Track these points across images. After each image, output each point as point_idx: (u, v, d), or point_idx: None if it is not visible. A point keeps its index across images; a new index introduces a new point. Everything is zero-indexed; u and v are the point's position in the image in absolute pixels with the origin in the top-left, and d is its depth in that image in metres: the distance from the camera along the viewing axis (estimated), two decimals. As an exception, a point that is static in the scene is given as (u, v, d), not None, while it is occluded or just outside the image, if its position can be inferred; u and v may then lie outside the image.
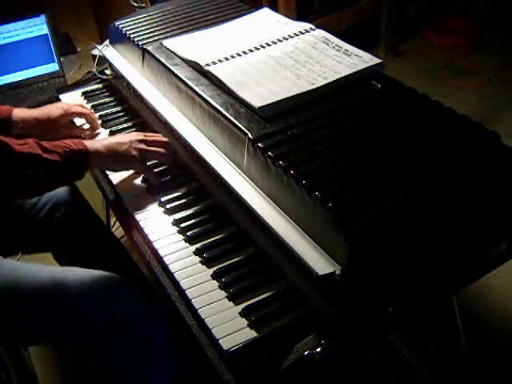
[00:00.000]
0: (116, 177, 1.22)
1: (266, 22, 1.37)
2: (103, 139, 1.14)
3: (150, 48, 1.33)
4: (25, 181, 1.00)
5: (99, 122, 1.41)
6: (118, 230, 1.84)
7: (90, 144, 1.09)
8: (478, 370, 1.40)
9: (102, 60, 1.62)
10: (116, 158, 1.12)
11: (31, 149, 1.00)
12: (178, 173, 1.18)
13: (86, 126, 1.41)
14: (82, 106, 1.42)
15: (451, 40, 3.13)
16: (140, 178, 1.20)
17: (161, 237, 1.04)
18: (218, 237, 1.02)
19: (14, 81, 1.89)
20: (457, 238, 0.87)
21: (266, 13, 1.43)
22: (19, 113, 1.30)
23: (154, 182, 1.16)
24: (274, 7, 2.49)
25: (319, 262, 0.82)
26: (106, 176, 1.23)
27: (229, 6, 1.52)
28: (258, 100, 1.03)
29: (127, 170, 1.21)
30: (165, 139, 1.20)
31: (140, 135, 1.17)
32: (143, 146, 1.14)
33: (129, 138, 1.15)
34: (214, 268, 0.96)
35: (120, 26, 1.48)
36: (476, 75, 2.87)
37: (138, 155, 1.13)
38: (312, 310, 0.85)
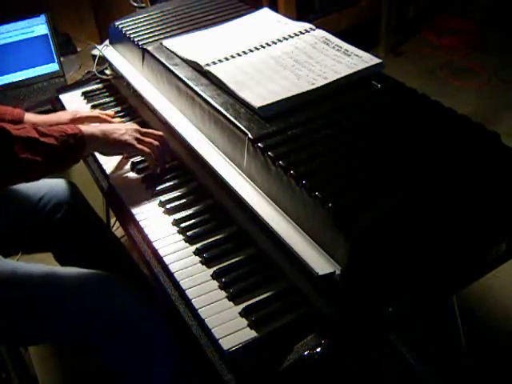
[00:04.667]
0: (116, 177, 1.22)
1: (266, 22, 1.37)
2: (99, 124, 1.19)
3: (150, 48, 1.33)
4: (22, 163, 1.01)
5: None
6: (118, 230, 1.84)
7: (85, 128, 1.12)
8: (477, 369, 1.40)
9: (102, 60, 1.62)
10: (110, 142, 1.15)
11: (28, 132, 1.02)
12: (165, 166, 1.22)
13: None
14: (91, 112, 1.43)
15: (451, 40, 3.13)
16: (140, 178, 1.20)
17: (161, 237, 1.04)
18: (217, 237, 1.02)
19: (14, 81, 1.89)
20: (457, 238, 0.87)
21: (265, 13, 1.43)
22: (30, 117, 1.33)
23: (153, 163, 1.19)
24: (274, 7, 2.49)
25: (319, 262, 0.82)
26: (106, 176, 1.23)
27: (229, 5, 1.52)
28: (258, 100, 1.03)
29: (121, 154, 1.25)
30: (160, 133, 1.23)
31: (136, 125, 1.22)
32: (138, 135, 1.18)
33: (125, 126, 1.20)
34: (214, 268, 0.96)
35: (120, 26, 1.48)
36: (476, 75, 2.87)
37: (131, 141, 1.16)
38: (312, 310, 0.85)
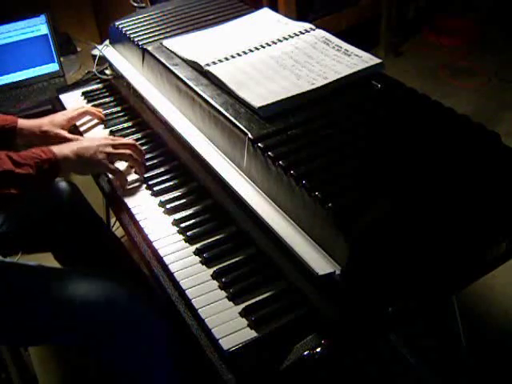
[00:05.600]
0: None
1: (266, 22, 1.37)
2: (71, 144, 1.16)
3: (150, 48, 1.33)
4: None
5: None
6: (118, 230, 1.84)
7: (59, 150, 1.10)
8: (478, 369, 1.40)
9: (102, 60, 1.62)
10: (84, 162, 1.13)
11: (4, 164, 0.99)
12: (143, 172, 1.21)
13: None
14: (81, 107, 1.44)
15: (451, 40, 3.13)
16: (140, 178, 1.20)
17: (161, 237, 1.04)
18: (218, 237, 1.02)
19: (14, 81, 1.89)
20: (457, 238, 0.87)
21: (265, 13, 1.43)
22: (24, 122, 1.32)
23: (123, 183, 1.18)
24: (274, 7, 2.49)
25: (319, 262, 0.82)
26: (107, 176, 1.23)
27: (229, 6, 1.52)
28: (257, 100, 1.03)
29: (96, 173, 1.25)
30: (131, 141, 1.22)
31: (107, 139, 1.20)
32: (110, 150, 1.16)
33: (96, 142, 1.17)
34: (214, 268, 0.96)
35: (120, 26, 1.48)
36: (476, 75, 2.87)
37: (104, 158, 1.15)
38: (312, 310, 0.85)
